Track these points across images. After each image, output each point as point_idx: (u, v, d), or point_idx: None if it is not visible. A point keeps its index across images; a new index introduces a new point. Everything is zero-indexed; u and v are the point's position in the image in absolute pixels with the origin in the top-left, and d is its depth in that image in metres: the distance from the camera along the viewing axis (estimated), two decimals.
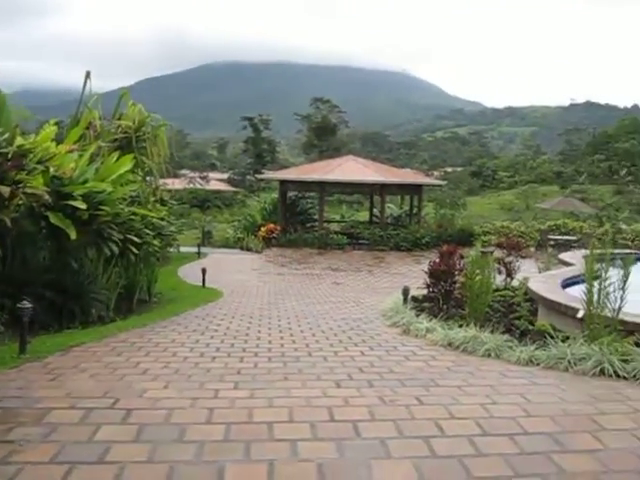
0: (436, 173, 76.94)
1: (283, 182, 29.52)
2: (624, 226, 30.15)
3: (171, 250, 19.95)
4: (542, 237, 27.38)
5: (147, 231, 11.66)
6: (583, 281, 7.37)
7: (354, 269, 20.63)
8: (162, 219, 14.04)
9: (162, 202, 16.48)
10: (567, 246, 23.95)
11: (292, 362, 6.68)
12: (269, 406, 4.94)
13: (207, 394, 5.26)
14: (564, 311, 7.94)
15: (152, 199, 13.99)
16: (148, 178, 13.94)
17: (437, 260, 9.91)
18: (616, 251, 10.87)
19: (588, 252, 7.70)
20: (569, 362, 6.19)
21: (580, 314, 7.10)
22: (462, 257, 9.95)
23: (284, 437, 4.20)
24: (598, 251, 7.18)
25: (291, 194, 30.79)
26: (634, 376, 5.81)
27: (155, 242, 12.36)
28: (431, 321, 8.57)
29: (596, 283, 6.92)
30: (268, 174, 39.01)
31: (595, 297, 6.83)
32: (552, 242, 25.44)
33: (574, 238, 26.30)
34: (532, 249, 26.78)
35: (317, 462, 3.78)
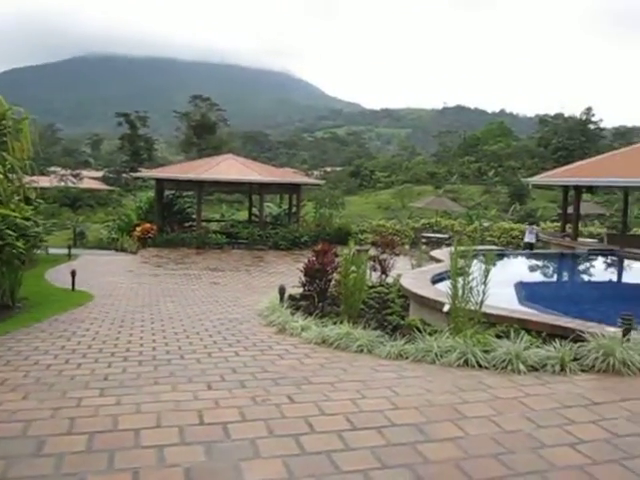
0: (316, 173, 77.99)
1: (160, 181, 28.76)
2: (486, 224, 31.89)
3: (38, 252, 18.88)
4: (416, 235, 28.46)
5: (9, 232, 10.96)
6: (450, 277, 7.70)
7: (233, 269, 20.46)
8: (27, 219, 13.22)
9: (27, 201, 15.51)
10: (440, 243, 25.06)
11: (163, 365, 6.51)
12: (136, 412, 4.77)
13: (70, 403, 5.00)
14: (433, 306, 8.27)
15: (16, 198, 13.14)
16: (10, 175, 13.06)
17: (312, 259, 10.01)
18: (479, 248, 11.50)
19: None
20: (436, 355, 6.45)
21: (446, 308, 7.42)
22: (337, 255, 10.11)
23: (151, 443, 4.06)
24: (462, 248, 7.52)
25: (168, 193, 30.07)
26: (494, 365, 6.15)
27: (19, 244, 11.63)
28: (306, 319, 8.65)
29: (461, 278, 7.25)
30: (144, 172, 37.85)
31: (460, 292, 7.15)
32: (425, 240, 26.52)
33: (446, 236, 27.54)
34: (407, 247, 27.76)
35: (184, 467, 3.69)
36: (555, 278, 18.10)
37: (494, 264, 7.49)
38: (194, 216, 28.67)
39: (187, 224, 28.71)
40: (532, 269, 18.45)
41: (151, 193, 32.39)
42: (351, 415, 4.67)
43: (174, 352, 7.28)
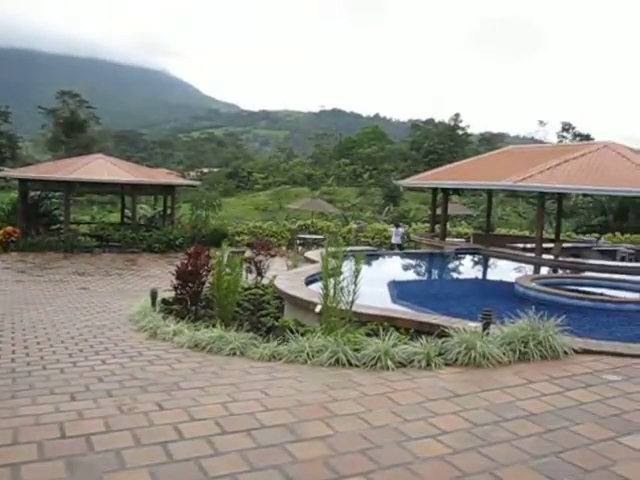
0: (192, 173, 76.71)
1: (23, 181, 27.11)
2: (354, 226, 32.70)
3: None
4: (293, 236, 28.69)
5: None
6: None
7: (103, 273, 19.66)
8: None
9: None
10: (316, 244, 25.40)
11: (22, 377, 6.12)
12: None
13: None
14: (306, 306, 8.37)
15: None
16: None
17: (185, 261, 9.82)
18: (350, 248, 11.78)
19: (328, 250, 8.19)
20: (308, 355, 6.52)
21: (318, 309, 7.53)
22: (210, 258, 9.98)
23: (5, 462, 3.79)
24: (332, 249, 7.66)
25: (33, 194, 28.41)
26: (364, 363, 6.30)
27: None
28: (179, 323, 8.47)
29: (332, 279, 7.38)
30: (7, 172, 35.53)
31: (331, 292, 7.27)
32: (301, 241, 26.80)
33: (321, 237, 27.95)
34: (284, 248, 27.96)
35: None
36: (425, 277, 18.91)
37: (366, 264, 7.69)
38: (62, 218, 27.29)
39: (54, 227, 27.27)
40: (404, 268, 19.16)
41: (14, 194, 30.47)
42: (221, 419, 4.61)
43: (35, 363, 6.87)
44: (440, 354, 6.43)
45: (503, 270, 18.11)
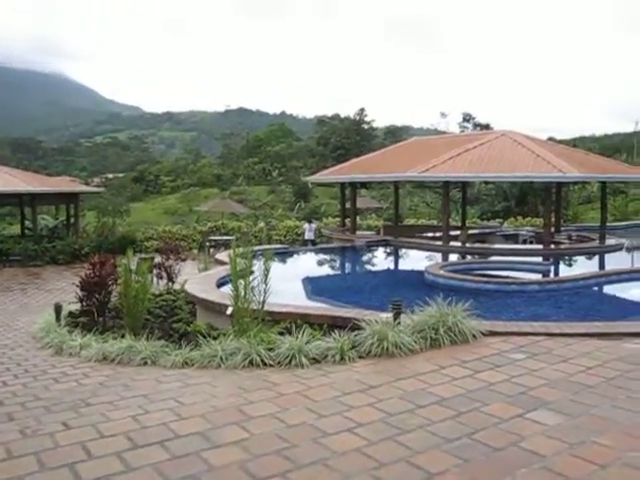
0: (96, 180, 74.22)
1: None
2: (261, 224, 32.54)
3: None
4: (203, 239, 28.25)
5: None
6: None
7: (4, 289, 18.68)
8: None
9: None
10: (226, 246, 25.11)
11: None
12: None
13: None
14: (218, 309, 8.24)
15: None
16: None
17: (89, 271, 9.45)
18: (259, 247, 11.71)
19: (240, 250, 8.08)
20: (221, 358, 6.40)
21: (229, 311, 7.42)
22: (117, 266, 9.65)
23: None
24: (240, 249, 7.57)
25: None
26: (279, 362, 6.26)
27: None
28: (86, 336, 8.13)
29: (242, 279, 7.29)
30: None
31: (242, 293, 7.18)
32: (212, 243, 26.43)
33: (232, 238, 27.67)
34: (195, 251, 27.50)
35: None
36: (338, 271, 19.08)
37: (280, 262, 7.63)
38: None
39: None
40: (317, 264, 19.24)
41: None
42: (133, 433, 4.45)
43: None
44: (353, 347, 6.48)
45: (414, 260, 18.56)
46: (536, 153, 17.65)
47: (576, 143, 45.40)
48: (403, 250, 20.61)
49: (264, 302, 7.21)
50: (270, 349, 6.41)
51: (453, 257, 17.43)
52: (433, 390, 5.33)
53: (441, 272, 12.63)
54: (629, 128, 65.81)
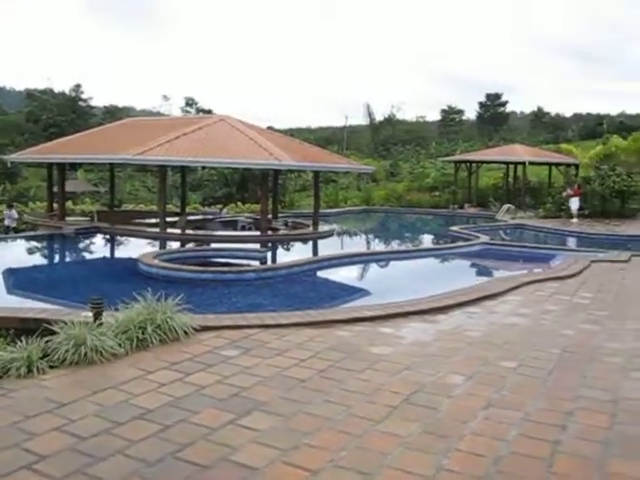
0: None
1: None
2: None
3: None
4: None
5: None
6: None
7: None
8: None
9: None
10: None
11: None
12: None
13: None
14: None
15: None
16: None
17: None
18: None
19: None
20: None
21: None
22: None
23: None
24: None
25: None
26: None
27: None
28: None
29: None
30: None
31: None
32: None
33: None
34: None
35: None
36: (41, 262, 17.02)
37: None
38: None
39: None
40: (16, 255, 17.02)
41: None
42: None
43: None
44: (45, 356, 5.51)
45: (131, 248, 17.42)
46: (254, 140, 17.78)
47: (293, 133, 47.56)
48: (120, 238, 19.33)
49: None
50: None
51: (177, 245, 16.69)
52: (137, 401, 4.69)
53: (155, 261, 11.88)
54: (340, 122, 71.16)
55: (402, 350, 6.33)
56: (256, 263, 13.95)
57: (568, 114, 74.03)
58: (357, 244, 22.06)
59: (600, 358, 6.25)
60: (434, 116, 75.60)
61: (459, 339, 6.85)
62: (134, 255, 13.34)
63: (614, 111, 65.18)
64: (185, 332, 6.39)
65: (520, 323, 7.73)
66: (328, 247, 17.40)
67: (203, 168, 35.81)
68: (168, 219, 18.18)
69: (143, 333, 6.05)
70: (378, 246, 22.23)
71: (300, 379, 5.28)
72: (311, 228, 19.80)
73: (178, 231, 17.69)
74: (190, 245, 16.79)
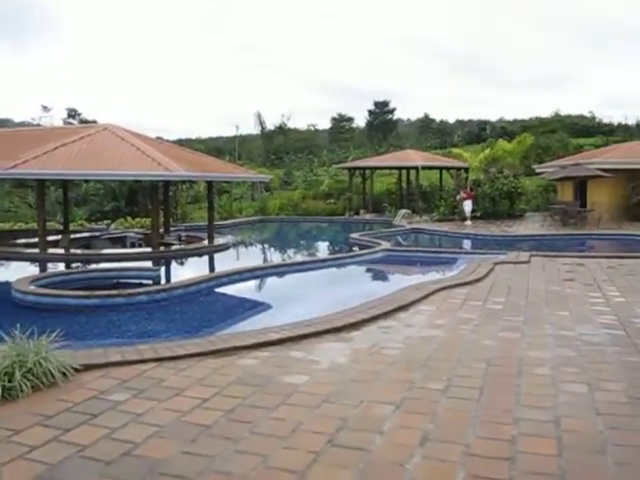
0: None
1: None
2: None
3: None
4: None
5: None
6: None
7: None
8: None
9: None
10: None
11: None
12: None
13: None
14: None
15: None
16: None
17: None
18: None
19: None
20: None
21: None
22: None
23: None
24: None
25: None
26: None
27: None
28: None
29: None
30: None
31: None
32: None
33: None
34: None
35: None
36: None
37: None
38: None
39: None
40: None
41: None
42: None
43: None
44: None
45: (7, 273, 15.75)
46: (142, 150, 16.63)
47: (182, 144, 46.02)
48: None
49: None
50: None
51: (62, 268, 15.18)
52: None
53: (31, 288, 10.53)
54: (231, 132, 69.84)
55: (318, 378, 5.63)
56: (149, 282, 12.83)
57: (452, 120, 76.38)
58: (256, 256, 21.24)
59: (528, 370, 5.83)
60: (325, 124, 75.83)
61: (378, 359, 6.25)
62: (9, 280, 11.87)
63: (494, 117, 67.63)
64: (64, 374, 5.38)
65: (438, 335, 7.25)
66: (225, 261, 16.51)
67: (86, 181, 33.74)
68: (50, 238, 16.64)
69: (10, 381, 5.00)
70: (279, 258, 21.52)
71: (204, 425, 4.46)
72: (206, 242, 18.81)
73: (61, 251, 16.20)
74: (75, 266, 15.38)
